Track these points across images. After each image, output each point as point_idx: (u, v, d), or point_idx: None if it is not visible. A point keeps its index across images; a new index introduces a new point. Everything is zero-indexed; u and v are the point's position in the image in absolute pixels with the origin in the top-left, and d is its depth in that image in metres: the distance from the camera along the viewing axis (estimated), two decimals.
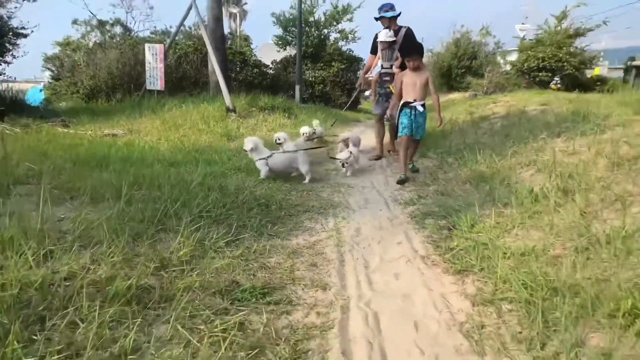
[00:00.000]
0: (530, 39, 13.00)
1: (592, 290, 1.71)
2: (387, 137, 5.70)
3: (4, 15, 7.99)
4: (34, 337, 1.30)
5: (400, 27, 5.19)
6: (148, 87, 10.53)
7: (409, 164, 4.60)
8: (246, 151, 4.09)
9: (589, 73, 16.29)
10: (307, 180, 4.18)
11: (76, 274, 1.65)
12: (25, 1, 8.09)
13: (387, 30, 5.13)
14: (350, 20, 17.65)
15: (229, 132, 6.77)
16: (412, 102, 4.33)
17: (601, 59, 12.55)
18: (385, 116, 5.26)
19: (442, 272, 2.22)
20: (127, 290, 1.62)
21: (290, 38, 17.75)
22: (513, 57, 17.42)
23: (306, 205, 3.35)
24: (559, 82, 11.17)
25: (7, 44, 8.25)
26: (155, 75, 10.41)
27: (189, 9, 10.17)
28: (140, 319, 1.49)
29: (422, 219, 3.03)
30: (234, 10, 39.16)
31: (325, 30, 17.57)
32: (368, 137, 6.53)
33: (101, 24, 16.13)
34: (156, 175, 3.35)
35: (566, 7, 11.56)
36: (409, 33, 5.15)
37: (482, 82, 14.51)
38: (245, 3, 47.47)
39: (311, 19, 17.32)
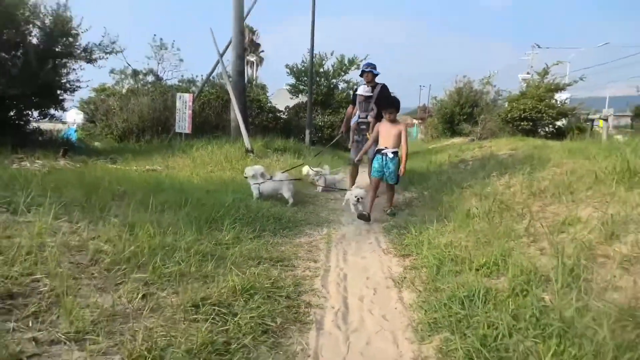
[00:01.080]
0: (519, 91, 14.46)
1: (472, 259, 2.91)
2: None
3: (65, 71, 9.67)
4: (163, 264, 2.54)
5: (377, 83, 6.21)
6: (177, 130, 12.09)
7: (388, 209, 5.10)
8: (246, 177, 5.41)
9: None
10: (289, 204, 5.20)
11: (172, 244, 2.90)
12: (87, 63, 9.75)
13: (365, 86, 6.17)
14: (357, 69, 19.48)
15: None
16: (384, 149, 4.98)
17: (579, 108, 13.82)
18: (355, 159, 5.93)
19: (392, 256, 3.44)
20: (201, 251, 2.87)
21: (302, 87, 19.53)
22: None
23: (308, 220, 4.62)
24: (541, 130, 12.46)
25: (65, 95, 9.91)
26: (184, 120, 11.98)
27: (216, 64, 11.90)
28: (211, 263, 2.72)
29: (390, 230, 4.27)
30: (252, 58, 41.88)
31: (334, 80, 19.38)
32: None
33: (135, 73, 18.05)
34: (200, 197, 4.64)
35: (547, 65, 13.09)
36: (385, 89, 6.15)
37: (476, 129, 15.95)
38: (262, 51, 50.74)
39: (321, 70, 19.17)
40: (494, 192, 4.70)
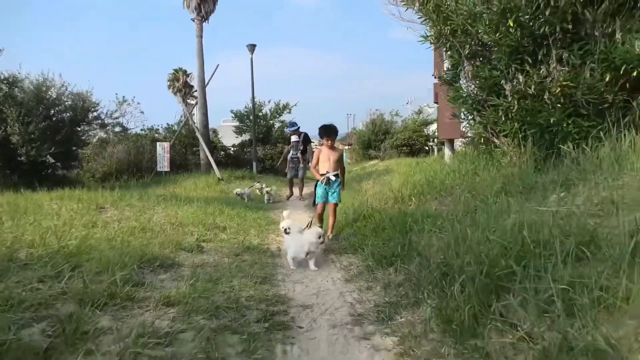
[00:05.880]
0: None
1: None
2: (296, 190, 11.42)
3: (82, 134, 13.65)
4: (229, 214, 7.07)
5: (301, 132, 10.90)
6: (159, 169, 16.16)
7: (329, 235, 5.48)
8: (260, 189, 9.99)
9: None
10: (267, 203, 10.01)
11: (225, 209, 7.42)
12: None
13: (295, 135, 11.01)
14: (289, 112, 24.54)
15: (223, 190, 12.57)
16: (326, 173, 5.44)
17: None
18: (290, 176, 10.99)
19: (309, 213, 8.20)
20: (236, 214, 7.43)
21: (245, 127, 24.18)
22: None
23: (275, 207, 9.27)
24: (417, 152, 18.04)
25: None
26: (163, 161, 16.09)
27: (186, 120, 16.27)
28: (247, 215, 7.30)
29: (309, 204, 9.04)
30: (192, 101, 45.77)
31: (271, 121, 24.26)
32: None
33: (103, 125, 21.67)
34: (213, 201, 9.10)
35: (420, 106, 18.98)
36: (306, 136, 10.81)
37: (379, 153, 21.51)
38: (196, 90, 55.00)
39: (260, 113, 23.97)
40: (360, 187, 9.65)
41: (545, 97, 5.20)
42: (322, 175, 5.49)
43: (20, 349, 1.72)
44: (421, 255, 3.41)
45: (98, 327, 2.10)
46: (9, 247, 3.00)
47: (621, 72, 4.80)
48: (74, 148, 13.85)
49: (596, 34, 5.02)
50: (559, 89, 5.08)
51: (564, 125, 5.16)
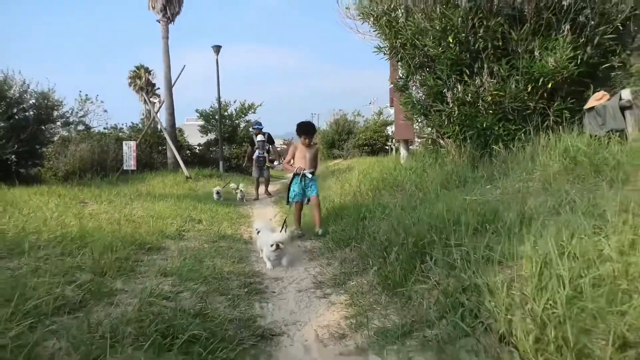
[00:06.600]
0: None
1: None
2: (262, 188, 12.01)
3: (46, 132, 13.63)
4: (201, 208, 7.61)
5: (264, 132, 11.56)
6: (125, 168, 16.27)
7: (318, 230, 5.30)
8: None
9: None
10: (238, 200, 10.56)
11: (198, 205, 7.94)
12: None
13: (260, 135, 11.65)
14: (254, 112, 24.97)
15: (192, 188, 12.98)
16: (303, 171, 5.40)
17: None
18: (256, 176, 11.35)
19: (276, 208, 8.83)
20: (209, 208, 7.97)
21: (211, 127, 24.40)
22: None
23: (243, 203, 9.84)
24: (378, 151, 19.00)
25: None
26: (129, 160, 16.22)
27: (152, 119, 16.45)
28: (219, 210, 7.84)
29: (277, 200, 9.66)
30: (155, 100, 45.15)
31: (237, 121, 24.59)
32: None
33: (66, 123, 21.33)
34: (185, 197, 9.56)
35: (380, 107, 19.96)
36: (270, 136, 11.51)
37: (343, 152, 22.34)
38: (158, 88, 54.08)
39: (226, 113, 24.26)
40: (324, 184, 10.36)
41: (480, 104, 6.07)
42: (297, 173, 5.44)
43: (65, 299, 2.30)
44: (371, 236, 4.14)
45: (114, 288, 2.69)
46: (19, 232, 3.48)
47: (540, 84, 5.74)
48: (37, 147, 13.82)
49: (520, 50, 5.91)
50: (490, 97, 5.96)
51: (496, 128, 6.06)
